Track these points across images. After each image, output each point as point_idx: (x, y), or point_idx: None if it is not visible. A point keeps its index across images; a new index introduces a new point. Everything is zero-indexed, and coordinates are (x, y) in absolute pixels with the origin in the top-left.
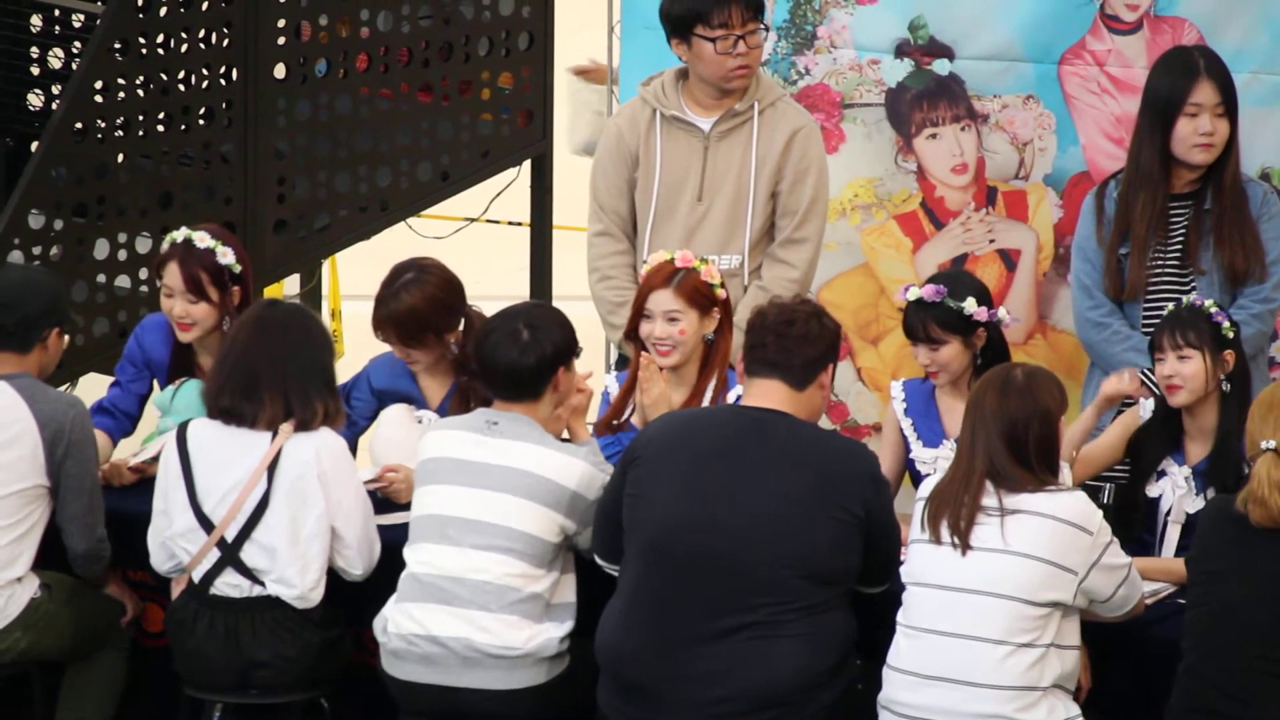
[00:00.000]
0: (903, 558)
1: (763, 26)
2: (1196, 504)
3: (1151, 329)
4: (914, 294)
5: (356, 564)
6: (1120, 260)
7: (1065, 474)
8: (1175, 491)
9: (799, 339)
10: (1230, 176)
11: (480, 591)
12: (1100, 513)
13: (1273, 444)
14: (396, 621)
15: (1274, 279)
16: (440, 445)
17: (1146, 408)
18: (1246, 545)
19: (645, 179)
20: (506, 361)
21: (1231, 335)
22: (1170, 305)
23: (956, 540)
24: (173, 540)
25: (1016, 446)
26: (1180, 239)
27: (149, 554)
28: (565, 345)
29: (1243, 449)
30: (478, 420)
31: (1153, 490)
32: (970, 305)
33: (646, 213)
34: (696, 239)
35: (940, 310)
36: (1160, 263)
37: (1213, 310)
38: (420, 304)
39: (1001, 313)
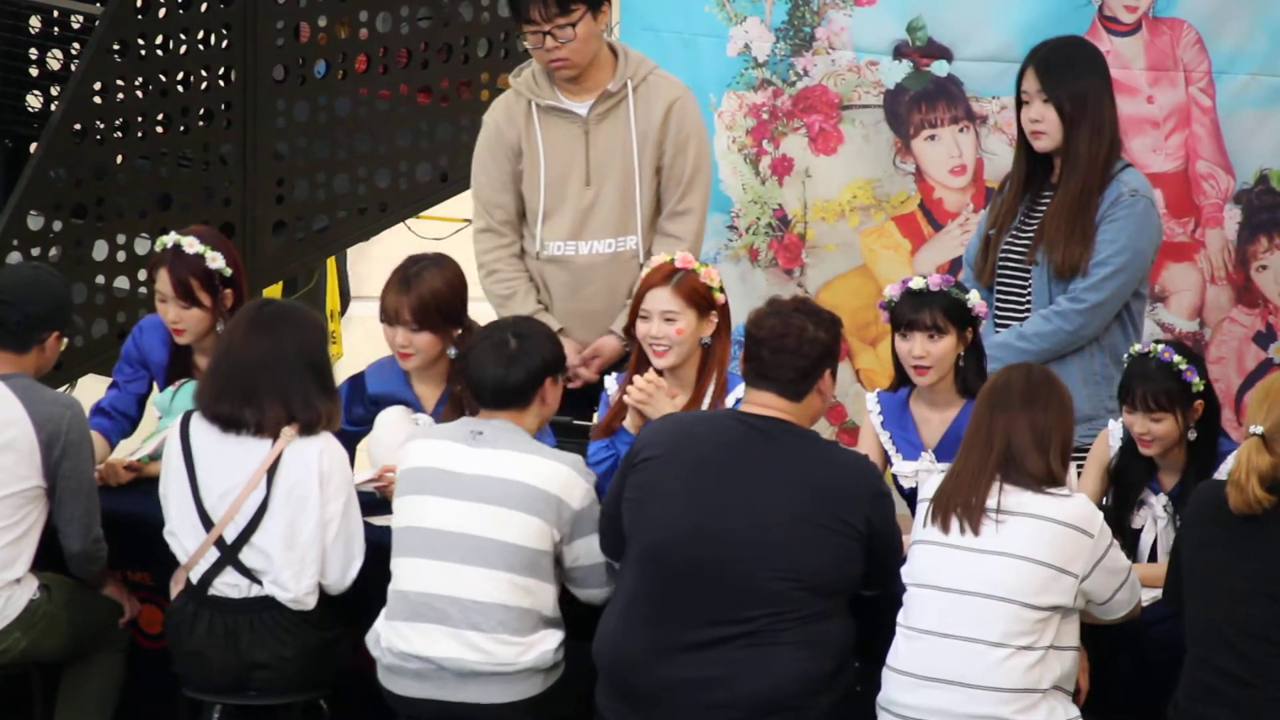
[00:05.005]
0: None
1: (571, 23)
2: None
3: (1002, 311)
4: (919, 283)
5: (331, 574)
6: (988, 243)
7: (1071, 478)
8: (1158, 523)
9: (792, 353)
10: (1067, 171)
11: (471, 611)
12: (1101, 515)
13: (1260, 430)
14: (388, 639)
15: (1091, 280)
16: (424, 455)
17: (1115, 434)
18: (1243, 531)
19: (531, 170)
20: (494, 371)
21: (1201, 388)
22: (1040, 307)
23: (962, 540)
24: (172, 536)
25: (1039, 438)
26: (1035, 229)
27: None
28: (553, 358)
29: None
30: (462, 430)
31: (1135, 521)
32: (974, 298)
33: (536, 203)
34: (590, 224)
35: (946, 299)
36: (1013, 249)
37: (1183, 368)
38: (441, 286)
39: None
